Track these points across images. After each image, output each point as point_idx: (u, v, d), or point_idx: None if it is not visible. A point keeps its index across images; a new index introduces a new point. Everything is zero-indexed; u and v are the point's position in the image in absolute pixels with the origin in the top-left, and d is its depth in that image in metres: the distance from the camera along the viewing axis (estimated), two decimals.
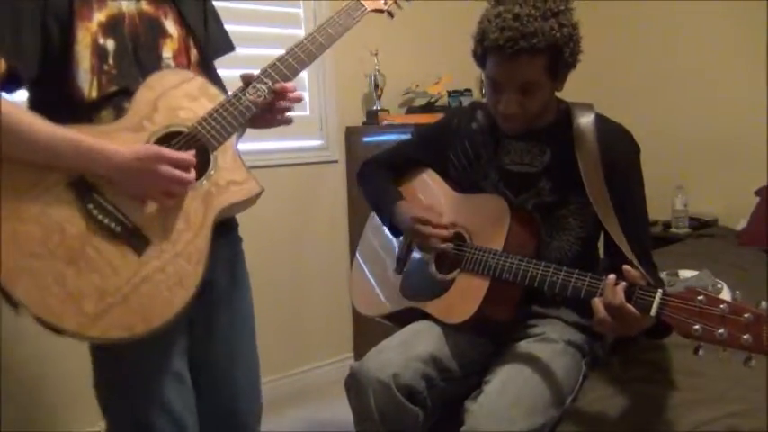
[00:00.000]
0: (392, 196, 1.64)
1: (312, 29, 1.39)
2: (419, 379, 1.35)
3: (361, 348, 2.90)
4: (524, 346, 1.42)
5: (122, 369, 1.19)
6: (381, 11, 1.43)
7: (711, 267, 1.89)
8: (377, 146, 2.62)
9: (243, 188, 1.21)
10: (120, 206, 1.09)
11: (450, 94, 2.96)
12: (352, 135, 2.84)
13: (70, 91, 1.11)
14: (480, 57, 1.41)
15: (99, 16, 1.13)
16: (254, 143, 2.47)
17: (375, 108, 2.82)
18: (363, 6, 1.40)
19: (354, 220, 2.82)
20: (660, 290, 1.11)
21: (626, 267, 1.15)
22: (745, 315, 1.01)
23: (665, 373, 1.43)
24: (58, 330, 1.02)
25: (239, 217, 1.41)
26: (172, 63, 1.23)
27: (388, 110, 2.84)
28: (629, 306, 1.12)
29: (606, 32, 3.29)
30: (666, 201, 2.99)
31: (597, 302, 1.16)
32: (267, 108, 1.28)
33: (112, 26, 1.14)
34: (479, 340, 1.47)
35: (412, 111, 2.97)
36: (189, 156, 1.12)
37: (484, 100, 1.49)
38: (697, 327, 1.04)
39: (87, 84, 1.11)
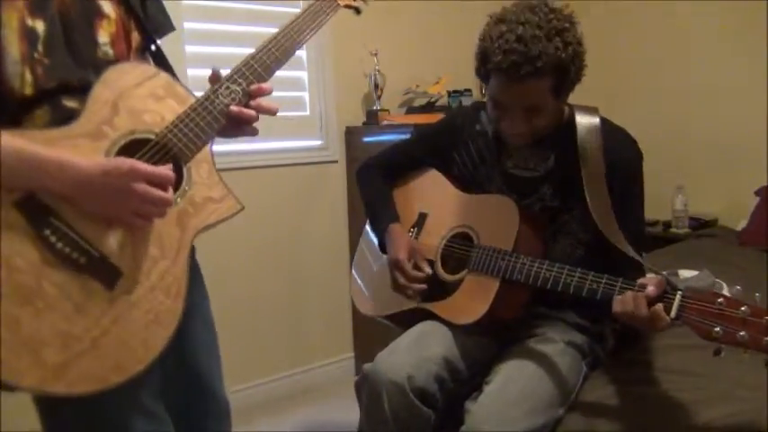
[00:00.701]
0: (387, 216, 1.65)
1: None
2: (432, 381, 1.35)
3: (361, 348, 2.90)
4: (525, 346, 1.42)
5: (80, 414, 0.99)
6: (350, 7, 1.34)
7: (711, 267, 1.88)
8: (377, 146, 2.60)
9: (221, 206, 1.06)
10: (83, 231, 0.91)
11: (450, 94, 2.95)
12: (352, 135, 2.84)
13: None
14: (483, 76, 1.38)
15: None
16: (253, 143, 2.46)
17: (375, 108, 2.81)
18: (335, 1, 1.27)
19: (354, 220, 2.82)
20: (680, 292, 1.11)
21: (641, 281, 1.16)
22: (766, 318, 1.02)
23: (666, 374, 1.43)
24: (11, 388, 0.85)
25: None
26: (110, 50, 1.03)
27: (388, 110, 2.84)
28: (659, 312, 1.11)
29: (606, 33, 3.29)
30: (666, 201, 2.99)
31: (618, 307, 1.16)
32: (236, 114, 1.09)
33: (40, 3, 0.94)
34: (483, 341, 1.47)
35: (412, 111, 2.97)
36: (168, 171, 0.96)
37: (485, 99, 1.48)
38: (718, 329, 1.05)
39: (18, 77, 0.91)
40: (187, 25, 2.36)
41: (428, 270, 1.52)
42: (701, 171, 3.08)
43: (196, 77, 2.31)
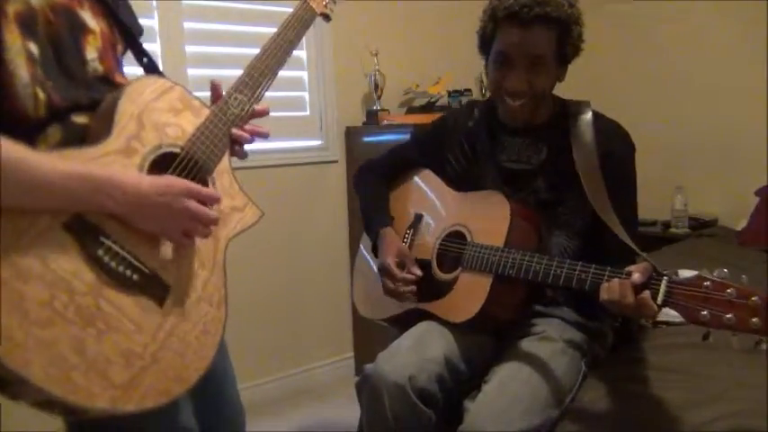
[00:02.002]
0: (379, 220, 1.66)
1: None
2: (433, 381, 1.35)
3: (361, 348, 2.90)
4: (524, 345, 1.42)
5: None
6: (324, 14, 1.35)
7: (711, 267, 1.88)
8: (377, 146, 2.61)
9: (245, 215, 1.10)
10: (132, 249, 0.92)
11: (450, 94, 2.95)
12: (352, 135, 2.84)
13: (8, 109, 0.91)
14: (490, 33, 1.43)
15: (9, 11, 0.91)
16: (254, 143, 2.46)
17: (375, 108, 2.81)
18: (314, 10, 1.29)
19: (354, 220, 2.82)
20: (665, 277, 1.11)
21: (628, 268, 1.16)
22: (753, 298, 1.01)
23: (664, 374, 1.43)
24: (80, 411, 0.84)
25: None
26: (99, 66, 1.03)
27: (387, 110, 2.84)
28: (645, 299, 1.12)
29: (606, 33, 3.29)
30: (666, 201, 2.99)
31: (605, 296, 1.17)
32: (236, 136, 1.13)
33: (27, 26, 0.92)
34: (482, 340, 1.47)
35: (412, 111, 2.97)
36: (217, 193, 1.02)
37: (484, 99, 1.49)
38: (705, 312, 1.04)
39: (31, 99, 0.92)
40: (187, 25, 2.35)
41: (417, 272, 1.53)
42: (701, 171, 3.08)
43: (196, 77, 2.32)
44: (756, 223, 2.66)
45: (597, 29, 3.27)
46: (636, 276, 1.14)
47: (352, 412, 1.49)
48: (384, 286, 1.56)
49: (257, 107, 1.16)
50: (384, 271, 1.55)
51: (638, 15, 3.23)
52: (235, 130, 1.12)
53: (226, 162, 1.10)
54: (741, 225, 2.75)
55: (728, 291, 1.03)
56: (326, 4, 1.34)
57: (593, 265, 1.24)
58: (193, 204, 0.96)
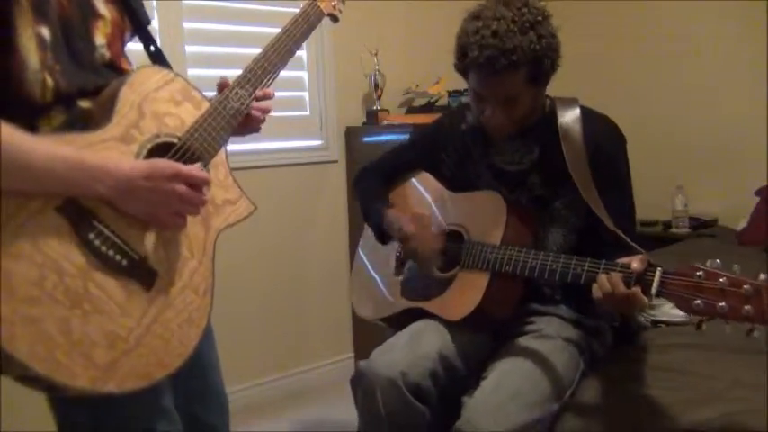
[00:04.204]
0: (380, 204, 1.65)
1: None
2: (427, 377, 1.36)
3: (361, 348, 2.90)
4: (522, 342, 1.42)
5: (103, 422, 1.00)
6: (331, 15, 1.37)
7: None
8: (377, 146, 2.62)
9: (238, 208, 1.11)
10: (123, 234, 0.94)
11: (450, 94, 2.95)
12: (352, 135, 2.85)
13: (15, 93, 0.92)
14: (462, 71, 1.43)
15: None
16: (254, 143, 2.46)
17: (375, 108, 2.82)
18: (321, 10, 1.31)
19: (354, 220, 2.82)
20: (659, 268, 1.11)
21: (623, 260, 1.17)
22: (745, 287, 1.02)
23: (663, 373, 1.43)
24: (61, 389, 0.86)
25: None
26: (106, 53, 1.05)
27: (388, 110, 2.84)
28: (636, 292, 1.12)
29: (606, 33, 3.30)
30: (666, 201, 2.99)
31: (596, 290, 1.17)
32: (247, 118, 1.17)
33: (40, 9, 0.93)
34: (480, 337, 1.48)
35: (412, 111, 2.97)
36: (205, 174, 1.02)
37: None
38: (698, 302, 1.05)
39: (39, 84, 0.93)
40: (187, 25, 2.36)
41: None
42: (700, 171, 3.07)
43: (196, 77, 2.31)
44: (756, 223, 2.66)
45: (596, 30, 3.27)
46: (635, 265, 1.15)
47: (351, 412, 1.49)
48: (407, 252, 1.54)
49: (260, 92, 1.17)
50: (404, 237, 1.52)
51: (638, 16, 3.23)
52: (254, 112, 1.17)
53: (222, 155, 1.11)
54: (741, 225, 2.75)
55: (721, 280, 1.04)
56: (335, 5, 1.36)
57: (588, 259, 1.25)
58: (182, 187, 0.96)
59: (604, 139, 1.45)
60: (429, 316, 1.50)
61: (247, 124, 1.19)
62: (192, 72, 2.31)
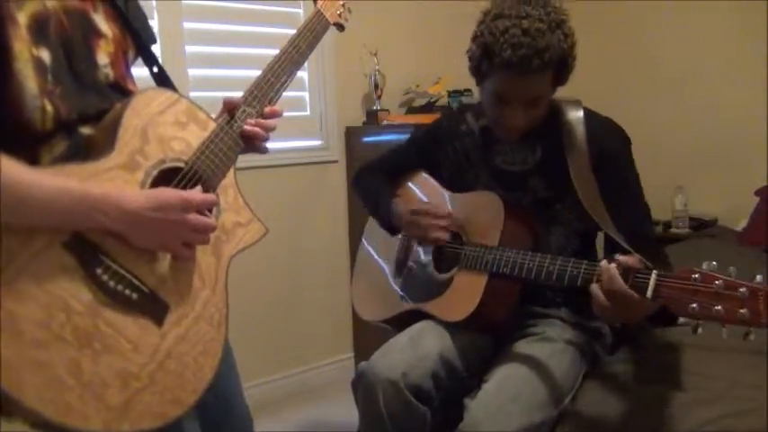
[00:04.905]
0: (388, 195, 1.65)
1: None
2: (428, 378, 1.35)
3: (361, 348, 2.90)
4: (523, 345, 1.42)
5: None
6: (337, 24, 1.35)
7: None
8: (377, 146, 2.62)
9: (249, 230, 1.07)
10: (131, 267, 0.91)
11: (450, 94, 2.95)
12: (352, 135, 2.84)
13: (15, 121, 0.88)
14: (484, 71, 1.36)
15: (21, 18, 0.88)
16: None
17: (375, 108, 2.82)
18: (327, 20, 1.30)
19: (354, 220, 2.82)
20: (655, 271, 1.10)
21: (620, 257, 1.15)
22: (741, 290, 1.01)
23: (665, 374, 1.43)
24: None
25: None
26: (110, 72, 1.01)
27: (388, 110, 2.84)
28: (627, 288, 1.11)
29: (606, 33, 3.30)
30: (666, 201, 2.99)
31: (595, 288, 1.16)
32: (251, 133, 1.12)
33: (40, 30, 0.89)
34: (481, 339, 1.48)
35: (412, 111, 2.97)
36: (212, 197, 0.98)
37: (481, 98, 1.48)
38: (694, 305, 1.04)
39: (38, 111, 0.89)
40: (187, 25, 2.35)
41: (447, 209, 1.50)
42: (701, 171, 3.08)
43: (196, 77, 2.32)
44: (756, 223, 2.66)
45: (597, 30, 3.27)
46: (623, 258, 1.13)
47: (352, 412, 1.49)
48: (417, 224, 1.50)
49: (267, 110, 1.15)
50: (416, 212, 1.50)
51: (638, 15, 3.23)
52: (248, 127, 1.11)
53: (230, 176, 1.07)
54: (741, 225, 2.75)
55: (717, 283, 1.03)
56: (341, 13, 1.34)
57: (585, 261, 1.24)
58: (192, 216, 0.93)
59: (610, 144, 1.42)
60: (429, 316, 1.50)
61: (251, 142, 1.14)
62: (193, 72, 2.31)
